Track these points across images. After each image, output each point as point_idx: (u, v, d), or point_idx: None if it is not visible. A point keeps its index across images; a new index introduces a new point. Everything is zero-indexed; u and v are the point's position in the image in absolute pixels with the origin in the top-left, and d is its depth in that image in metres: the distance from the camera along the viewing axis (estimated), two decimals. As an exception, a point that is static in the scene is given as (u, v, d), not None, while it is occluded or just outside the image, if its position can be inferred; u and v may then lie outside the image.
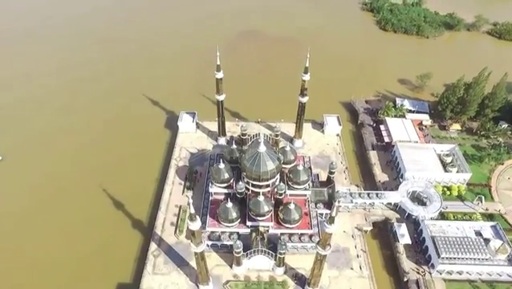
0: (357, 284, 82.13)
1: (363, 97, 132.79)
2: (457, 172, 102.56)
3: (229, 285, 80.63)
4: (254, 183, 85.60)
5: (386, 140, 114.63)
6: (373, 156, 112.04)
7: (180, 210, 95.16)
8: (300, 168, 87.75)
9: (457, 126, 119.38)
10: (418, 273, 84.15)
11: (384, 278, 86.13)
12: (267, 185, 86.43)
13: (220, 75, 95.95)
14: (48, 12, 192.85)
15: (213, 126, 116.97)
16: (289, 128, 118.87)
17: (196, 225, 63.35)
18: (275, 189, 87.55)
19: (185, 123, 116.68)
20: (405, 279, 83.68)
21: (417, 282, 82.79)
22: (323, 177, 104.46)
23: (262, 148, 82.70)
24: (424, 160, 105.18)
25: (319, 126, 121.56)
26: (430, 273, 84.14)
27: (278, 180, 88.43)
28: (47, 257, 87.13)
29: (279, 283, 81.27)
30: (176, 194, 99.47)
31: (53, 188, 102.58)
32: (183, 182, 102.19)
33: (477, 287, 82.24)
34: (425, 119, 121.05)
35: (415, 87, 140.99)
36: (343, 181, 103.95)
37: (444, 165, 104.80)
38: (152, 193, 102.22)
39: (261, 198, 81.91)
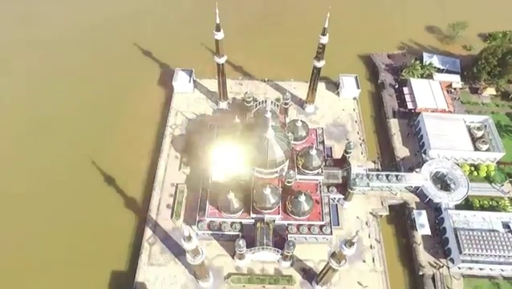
0: (369, 279, 75.95)
1: (385, 51, 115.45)
2: (488, 149, 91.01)
3: (231, 279, 74.53)
4: (260, 170, 75.28)
5: (409, 106, 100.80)
6: (393, 125, 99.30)
7: (176, 190, 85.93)
8: (313, 152, 76.33)
9: (491, 90, 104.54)
10: (435, 267, 77.66)
11: (398, 271, 79.72)
12: (275, 172, 76.29)
13: (220, 35, 79.75)
14: None
15: (213, 84, 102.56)
16: (300, 88, 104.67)
17: (192, 245, 54.39)
18: (283, 174, 77.66)
19: (181, 82, 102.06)
20: (420, 273, 77.55)
21: (433, 277, 76.79)
22: (337, 150, 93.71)
23: (270, 133, 70.69)
24: (452, 133, 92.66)
25: (334, 86, 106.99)
26: (448, 267, 77.66)
27: (287, 165, 77.72)
28: (37, 242, 79.91)
29: (285, 278, 75.11)
30: (171, 170, 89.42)
31: (36, 162, 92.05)
32: (179, 155, 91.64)
33: (498, 284, 76.22)
34: (456, 81, 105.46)
35: (445, 37, 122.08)
36: (359, 157, 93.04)
37: (474, 140, 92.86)
38: (146, 167, 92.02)
39: (267, 191, 71.92)
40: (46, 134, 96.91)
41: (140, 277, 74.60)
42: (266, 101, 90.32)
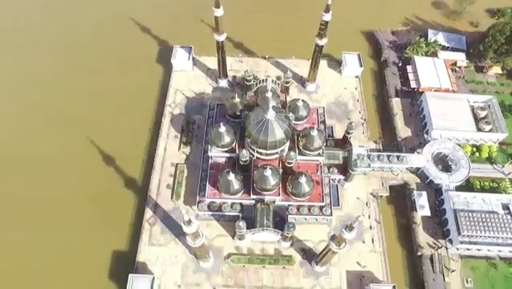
0: (368, 259, 76.67)
1: (389, 27, 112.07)
2: (491, 130, 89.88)
3: (232, 259, 75.21)
4: (261, 151, 74.49)
5: (413, 84, 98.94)
6: (396, 104, 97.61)
7: (176, 170, 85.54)
8: (314, 133, 75.29)
9: (496, 68, 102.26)
10: (433, 248, 78.18)
11: (397, 251, 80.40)
12: (275, 153, 75.51)
13: (219, 12, 77.05)
14: None
15: (213, 62, 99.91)
16: (301, 66, 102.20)
17: (192, 229, 54.24)
18: (284, 154, 76.97)
19: (180, 60, 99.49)
20: (419, 254, 78.16)
21: (431, 258, 77.42)
22: (338, 129, 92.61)
23: (271, 114, 69.51)
24: (455, 114, 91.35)
25: (336, 64, 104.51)
26: (446, 248, 78.22)
27: (288, 146, 76.80)
28: (37, 223, 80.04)
29: (285, 258, 75.80)
30: (171, 150, 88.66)
31: (33, 143, 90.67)
32: (179, 135, 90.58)
33: (494, 265, 76.92)
34: (461, 59, 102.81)
35: (451, 13, 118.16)
36: (361, 137, 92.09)
37: (477, 120, 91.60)
38: (145, 147, 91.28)
39: (267, 173, 71.27)
40: (43, 115, 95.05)
41: (141, 257, 75.21)
42: (266, 80, 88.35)
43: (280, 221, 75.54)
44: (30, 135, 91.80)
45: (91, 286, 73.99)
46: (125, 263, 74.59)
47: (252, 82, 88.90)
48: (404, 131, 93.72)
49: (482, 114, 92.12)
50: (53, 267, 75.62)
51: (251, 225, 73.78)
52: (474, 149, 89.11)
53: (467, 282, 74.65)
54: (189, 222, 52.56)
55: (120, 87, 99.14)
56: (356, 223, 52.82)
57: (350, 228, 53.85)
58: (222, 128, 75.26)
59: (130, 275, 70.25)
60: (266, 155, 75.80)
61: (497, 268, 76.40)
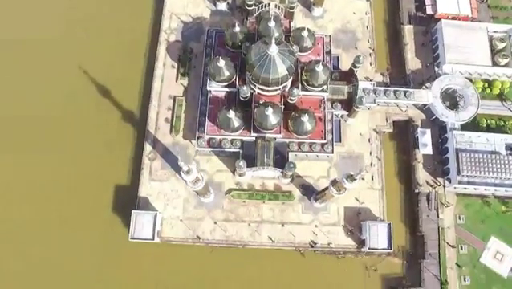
0: (366, 195, 77.80)
1: None
2: (507, 64, 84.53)
3: (232, 195, 76.40)
4: (262, 87, 70.80)
5: (428, 10, 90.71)
6: (408, 32, 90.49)
7: (174, 103, 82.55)
8: (319, 68, 70.70)
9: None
10: (431, 186, 79.01)
11: (395, 188, 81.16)
12: (277, 89, 71.87)
13: None
14: None
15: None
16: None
17: (192, 177, 53.45)
18: (286, 90, 73.43)
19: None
20: (416, 191, 79.19)
21: (428, 196, 78.63)
22: (344, 59, 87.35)
23: (274, 50, 64.46)
24: (471, 45, 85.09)
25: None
26: (444, 186, 79.03)
27: (291, 81, 72.70)
28: (38, 161, 79.39)
29: (285, 194, 76.92)
30: (168, 81, 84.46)
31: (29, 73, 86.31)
32: (176, 65, 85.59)
33: (488, 202, 78.37)
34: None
35: None
36: (367, 68, 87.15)
37: (494, 52, 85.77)
38: (141, 76, 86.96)
39: (268, 111, 68.45)
40: (33, 55, 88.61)
41: (142, 192, 76.15)
42: (269, 5, 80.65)
43: (281, 159, 75.19)
44: (21, 67, 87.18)
45: (94, 220, 75.56)
46: (127, 198, 75.90)
47: (253, 6, 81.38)
48: (413, 62, 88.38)
49: (501, 46, 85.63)
50: (55, 201, 76.93)
51: (251, 162, 73.34)
52: (486, 85, 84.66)
53: (459, 218, 76.82)
54: (189, 172, 51.71)
55: (110, 13, 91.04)
56: (359, 176, 52.03)
57: (352, 179, 53.11)
58: (221, 62, 70.42)
59: (133, 212, 71.42)
60: (268, 91, 72.27)
61: (490, 206, 77.95)
